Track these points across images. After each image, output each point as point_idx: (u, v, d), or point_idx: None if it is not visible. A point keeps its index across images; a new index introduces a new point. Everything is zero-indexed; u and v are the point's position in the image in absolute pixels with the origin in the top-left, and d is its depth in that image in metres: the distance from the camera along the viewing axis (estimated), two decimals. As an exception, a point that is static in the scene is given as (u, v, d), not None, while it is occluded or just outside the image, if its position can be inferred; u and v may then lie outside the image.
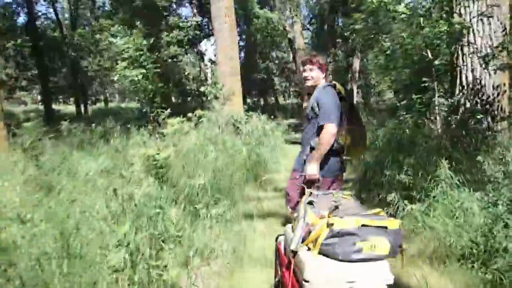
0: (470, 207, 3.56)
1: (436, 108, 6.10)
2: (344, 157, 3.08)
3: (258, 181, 6.52)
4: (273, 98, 28.27)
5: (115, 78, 7.11)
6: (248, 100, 18.78)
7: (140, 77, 6.39)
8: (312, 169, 2.88)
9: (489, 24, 5.02)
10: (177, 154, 5.13)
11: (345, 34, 17.27)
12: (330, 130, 2.77)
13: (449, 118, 5.51)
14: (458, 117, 5.33)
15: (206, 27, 20.40)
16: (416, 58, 7.60)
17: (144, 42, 6.63)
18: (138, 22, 8.55)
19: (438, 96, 6.03)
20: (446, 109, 5.59)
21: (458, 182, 4.05)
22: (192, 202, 4.17)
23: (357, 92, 19.24)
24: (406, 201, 4.37)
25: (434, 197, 4.18)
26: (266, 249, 3.68)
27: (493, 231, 3.25)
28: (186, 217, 3.86)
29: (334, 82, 3.08)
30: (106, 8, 20.36)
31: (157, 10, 13.37)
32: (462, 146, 4.77)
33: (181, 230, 3.52)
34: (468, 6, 5.03)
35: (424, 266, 3.64)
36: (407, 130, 7.09)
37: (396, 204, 4.42)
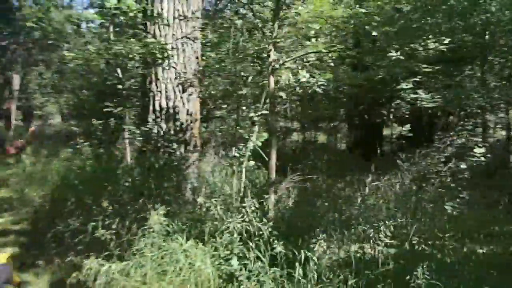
0: (194, 260, 2.87)
1: (126, 136, 5.32)
2: None
3: None
4: None
5: None
6: None
7: None
8: None
9: (184, 52, 4.81)
10: None
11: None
12: None
13: (143, 148, 4.83)
14: (151, 146, 4.73)
15: None
16: (97, 79, 6.67)
17: None
18: None
19: (128, 123, 5.29)
20: (140, 137, 4.87)
21: (169, 230, 3.30)
22: None
23: (17, 114, 15.97)
24: (101, 260, 3.20)
25: (138, 250, 3.25)
26: None
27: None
28: None
29: None
30: None
31: None
32: (163, 182, 4.13)
33: None
34: (166, 27, 4.60)
35: None
36: (88, 162, 5.94)
37: (88, 267, 3.17)
